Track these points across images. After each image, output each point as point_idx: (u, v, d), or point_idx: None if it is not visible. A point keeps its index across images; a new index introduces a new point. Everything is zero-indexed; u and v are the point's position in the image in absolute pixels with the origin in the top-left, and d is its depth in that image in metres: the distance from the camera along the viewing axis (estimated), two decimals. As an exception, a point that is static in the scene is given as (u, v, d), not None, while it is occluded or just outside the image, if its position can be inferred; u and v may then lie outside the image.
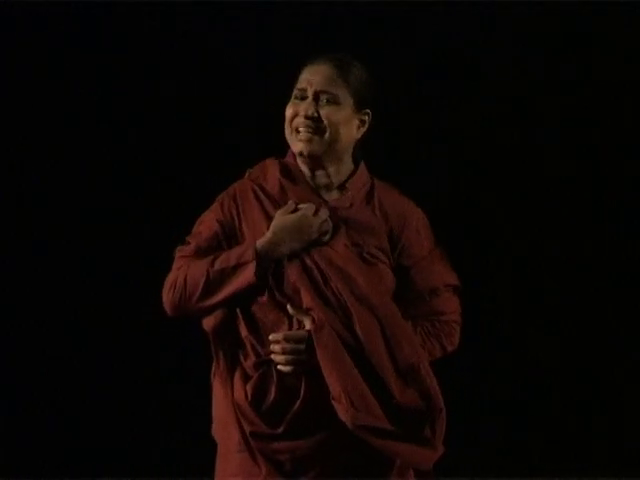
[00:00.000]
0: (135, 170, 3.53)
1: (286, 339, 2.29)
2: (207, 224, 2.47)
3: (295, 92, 2.44)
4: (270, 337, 2.31)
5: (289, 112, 2.43)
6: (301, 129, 2.40)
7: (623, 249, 3.45)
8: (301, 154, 2.42)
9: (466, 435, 3.33)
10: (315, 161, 2.43)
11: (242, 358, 2.37)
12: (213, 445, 2.47)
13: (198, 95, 3.51)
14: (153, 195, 3.51)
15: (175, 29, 3.51)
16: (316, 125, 2.39)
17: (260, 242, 2.34)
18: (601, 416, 3.46)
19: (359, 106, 2.44)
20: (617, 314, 3.45)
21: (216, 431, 2.45)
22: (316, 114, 2.39)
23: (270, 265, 2.33)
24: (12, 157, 3.52)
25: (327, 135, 2.40)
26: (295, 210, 2.37)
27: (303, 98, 2.42)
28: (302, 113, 2.40)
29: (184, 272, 2.40)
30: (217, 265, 2.36)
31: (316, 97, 2.40)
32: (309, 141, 2.40)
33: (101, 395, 3.51)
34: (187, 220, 3.37)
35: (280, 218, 2.36)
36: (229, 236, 2.44)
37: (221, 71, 3.50)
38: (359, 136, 2.47)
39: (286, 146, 2.50)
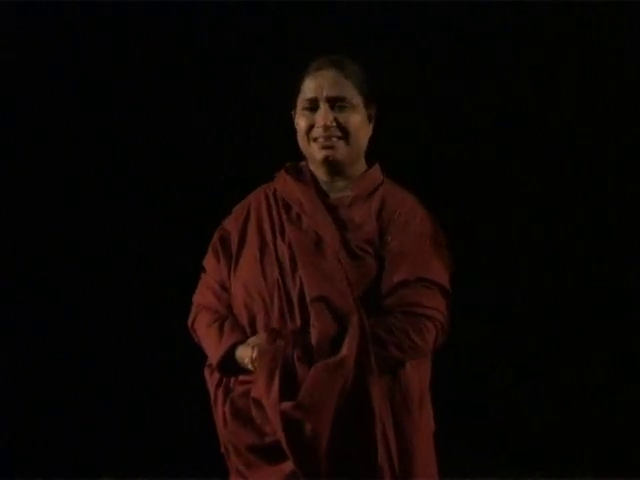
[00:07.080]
0: (134, 170, 3.53)
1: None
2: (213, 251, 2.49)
3: (303, 103, 2.43)
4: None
5: (303, 124, 2.42)
6: (321, 139, 2.40)
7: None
8: (325, 161, 2.42)
9: (465, 435, 3.33)
10: (337, 167, 2.43)
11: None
12: (214, 445, 2.46)
13: (198, 95, 3.51)
14: (152, 195, 3.52)
15: (175, 29, 3.52)
16: (337, 132, 2.40)
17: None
18: (602, 416, 3.47)
19: (367, 102, 2.45)
20: (628, 321, 3.45)
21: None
22: (334, 122, 2.39)
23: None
24: (12, 157, 3.53)
25: (349, 140, 2.41)
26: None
27: (314, 108, 2.41)
28: (320, 123, 2.39)
29: (199, 319, 2.48)
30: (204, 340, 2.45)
31: (331, 104, 2.39)
32: (332, 147, 2.40)
33: (101, 395, 3.52)
34: (184, 221, 3.40)
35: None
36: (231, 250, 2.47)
37: (223, 72, 3.50)
38: (371, 131, 2.48)
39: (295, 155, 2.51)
